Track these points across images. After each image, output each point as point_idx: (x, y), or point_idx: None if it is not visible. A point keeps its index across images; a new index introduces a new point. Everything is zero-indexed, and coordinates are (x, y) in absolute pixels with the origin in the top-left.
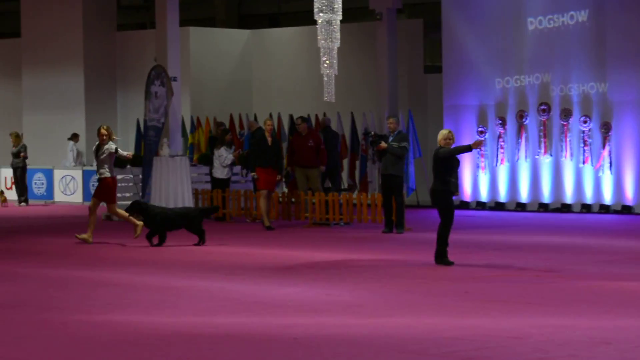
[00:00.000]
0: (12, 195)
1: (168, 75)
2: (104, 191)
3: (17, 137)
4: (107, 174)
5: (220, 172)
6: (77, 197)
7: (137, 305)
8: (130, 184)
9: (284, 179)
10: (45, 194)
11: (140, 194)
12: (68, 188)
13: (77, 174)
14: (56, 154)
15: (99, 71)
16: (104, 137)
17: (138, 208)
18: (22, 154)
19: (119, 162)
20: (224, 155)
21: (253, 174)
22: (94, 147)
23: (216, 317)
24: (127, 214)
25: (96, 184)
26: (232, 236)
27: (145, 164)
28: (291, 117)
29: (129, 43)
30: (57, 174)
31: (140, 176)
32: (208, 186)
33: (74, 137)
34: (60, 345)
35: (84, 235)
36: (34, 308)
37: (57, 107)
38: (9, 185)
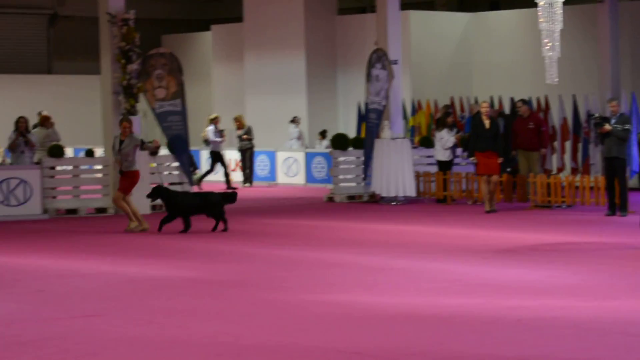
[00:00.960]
0: (237, 177)
1: (389, 58)
2: (123, 182)
3: (242, 120)
4: (135, 167)
5: (442, 155)
6: (300, 179)
7: (361, 285)
8: (352, 166)
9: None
10: (268, 175)
11: (363, 176)
12: (291, 170)
13: (300, 155)
14: (278, 137)
15: (319, 55)
16: (127, 130)
17: (159, 193)
18: (245, 136)
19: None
20: (445, 138)
21: (472, 158)
22: (114, 140)
23: (438, 298)
24: (128, 209)
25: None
26: (452, 218)
27: (366, 147)
28: (512, 99)
29: (349, 27)
30: (280, 156)
31: (362, 158)
32: (429, 168)
33: (296, 119)
34: (284, 324)
35: (134, 225)
36: (259, 287)
37: (279, 90)
38: (233, 168)
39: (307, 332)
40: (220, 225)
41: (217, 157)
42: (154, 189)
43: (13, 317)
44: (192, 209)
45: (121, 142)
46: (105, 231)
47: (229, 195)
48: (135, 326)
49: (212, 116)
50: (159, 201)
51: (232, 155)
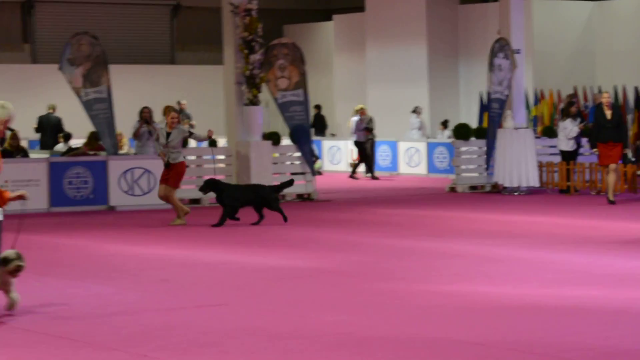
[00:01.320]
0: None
1: (511, 48)
2: (174, 175)
3: (363, 111)
4: (181, 158)
5: (565, 145)
6: (422, 169)
7: (483, 276)
8: (474, 156)
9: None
10: (390, 165)
11: (485, 166)
12: (412, 160)
13: (422, 146)
14: (400, 127)
15: (441, 44)
16: (175, 121)
17: (211, 186)
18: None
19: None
20: (568, 128)
21: (595, 150)
22: (160, 132)
23: (562, 289)
24: (179, 203)
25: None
26: (576, 209)
27: (489, 137)
28: (636, 89)
29: (471, 16)
30: (402, 146)
31: (484, 148)
32: (552, 158)
33: (417, 110)
34: (405, 314)
35: (178, 221)
36: (381, 278)
37: (401, 80)
38: (355, 157)
39: (428, 322)
40: (262, 219)
41: (361, 147)
42: (206, 182)
43: (138, 306)
44: (241, 202)
45: (168, 134)
46: (227, 221)
47: (280, 187)
48: (258, 316)
49: (358, 107)
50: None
51: (349, 146)
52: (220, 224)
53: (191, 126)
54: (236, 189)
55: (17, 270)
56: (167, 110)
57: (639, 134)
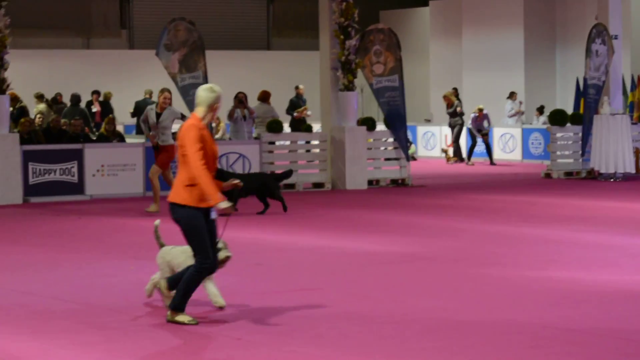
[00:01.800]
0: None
1: (609, 33)
2: (163, 157)
3: (452, 96)
4: (172, 141)
5: None
6: (517, 155)
7: (579, 261)
8: (570, 142)
9: None
10: (484, 151)
11: (581, 152)
12: (507, 146)
13: (517, 132)
14: (495, 113)
15: (538, 30)
16: (168, 101)
17: (217, 175)
18: (459, 108)
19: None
20: None
21: None
22: (149, 112)
23: None
24: (158, 189)
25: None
26: None
27: (585, 123)
28: None
29: (568, 1)
30: (497, 132)
31: (580, 134)
32: None
33: (512, 95)
34: (500, 300)
35: (153, 207)
36: (475, 263)
37: (496, 66)
38: (449, 143)
39: (523, 308)
40: (268, 208)
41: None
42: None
43: (233, 289)
44: (245, 191)
45: (158, 114)
46: (322, 206)
47: (282, 175)
48: (353, 301)
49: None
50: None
51: (443, 132)
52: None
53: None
54: (240, 178)
55: (226, 260)
56: (161, 91)
57: None
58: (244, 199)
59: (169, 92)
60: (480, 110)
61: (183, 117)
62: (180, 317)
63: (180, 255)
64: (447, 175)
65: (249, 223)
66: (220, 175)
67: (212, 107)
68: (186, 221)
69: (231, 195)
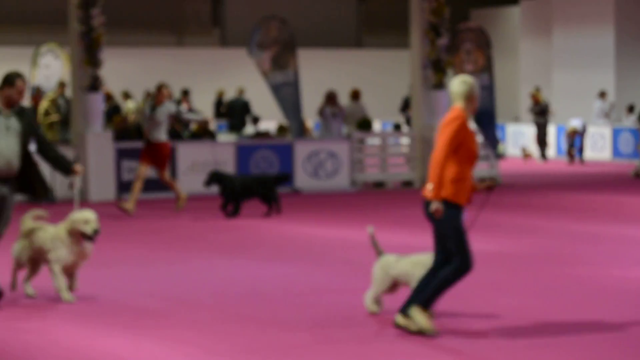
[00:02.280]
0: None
1: None
2: (157, 157)
3: (538, 94)
4: (163, 139)
5: None
6: (606, 154)
7: None
8: None
9: None
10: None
11: None
12: (597, 145)
13: (606, 130)
14: (585, 111)
15: (629, 28)
16: (164, 97)
17: (215, 178)
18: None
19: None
20: None
21: None
22: (144, 107)
23: None
24: (173, 183)
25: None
26: None
27: None
28: None
29: None
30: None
31: None
32: None
33: (603, 95)
34: (589, 299)
35: (127, 205)
36: (564, 262)
37: (586, 64)
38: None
39: (613, 308)
40: (273, 208)
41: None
42: (209, 174)
43: (323, 286)
44: (246, 193)
45: (153, 108)
46: (411, 204)
47: (282, 177)
48: (440, 299)
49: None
50: None
51: (520, 129)
52: (235, 212)
53: None
54: (239, 181)
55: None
56: (160, 87)
57: None
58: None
59: (167, 87)
60: (574, 131)
61: (178, 115)
62: (420, 318)
63: (413, 267)
64: (536, 174)
65: (338, 220)
66: (216, 177)
67: (470, 98)
68: (449, 219)
69: (233, 198)
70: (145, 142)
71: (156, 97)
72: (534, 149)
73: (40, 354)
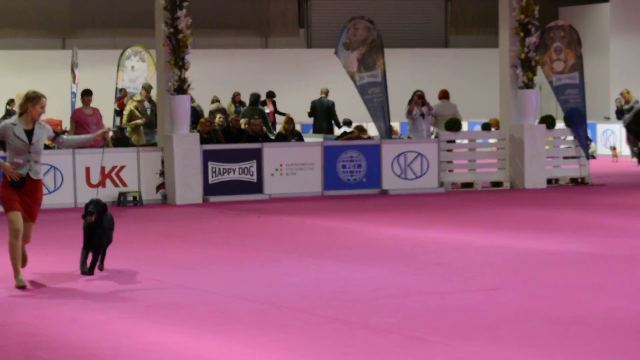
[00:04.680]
0: (626, 150)
1: None
2: (38, 201)
3: (629, 94)
4: (42, 174)
5: None
6: None
7: None
8: None
9: None
10: None
11: None
12: None
13: None
14: None
15: None
16: (39, 114)
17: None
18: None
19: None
20: None
21: None
22: (8, 129)
23: None
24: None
25: None
26: None
27: None
28: None
29: None
30: None
31: None
32: None
33: None
34: None
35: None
36: None
37: None
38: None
39: None
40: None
41: None
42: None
43: (412, 289)
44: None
45: (29, 132)
46: (500, 205)
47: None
48: (534, 301)
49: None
50: None
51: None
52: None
53: None
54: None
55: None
56: (33, 98)
57: None
58: None
59: (45, 98)
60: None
61: (56, 136)
62: None
63: None
64: (627, 174)
65: (426, 222)
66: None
67: None
68: None
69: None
70: (19, 182)
71: (29, 113)
72: (624, 148)
73: (132, 353)
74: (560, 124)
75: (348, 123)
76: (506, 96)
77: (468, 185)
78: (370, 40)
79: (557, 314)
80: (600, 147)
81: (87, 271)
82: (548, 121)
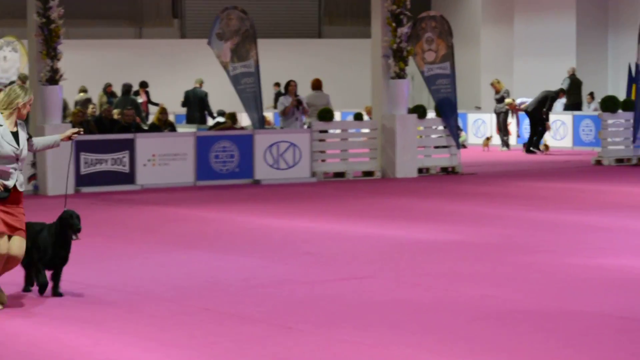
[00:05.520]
0: (496, 139)
1: None
2: (22, 213)
3: (499, 84)
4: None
5: None
6: (567, 142)
7: (630, 249)
8: (621, 129)
9: None
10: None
11: (632, 139)
12: (558, 133)
13: (567, 118)
14: None
15: (590, 15)
16: (24, 113)
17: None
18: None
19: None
20: None
21: None
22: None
23: None
24: None
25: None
26: None
27: (637, 109)
28: None
29: None
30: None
31: (632, 121)
32: None
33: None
34: (549, 288)
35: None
36: (525, 250)
37: (548, 52)
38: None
39: (573, 296)
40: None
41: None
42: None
43: (283, 278)
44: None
45: (15, 134)
46: (372, 194)
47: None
48: (402, 289)
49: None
50: None
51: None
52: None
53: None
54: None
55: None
56: (17, 95)
57: None
58: None
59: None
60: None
61: (29, 138)
62: None
63: None
64: (497, 163)
65: (298, 212)
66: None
67: None
68: None
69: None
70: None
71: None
72: (495, 137)
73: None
74: (431, 114)
75: (222, 114)
76: (378, 86)
77: (340, 175)
78: (244, 30)
79: (422, 302)
80: (471, 137)
81: (45, 282)
82: (419, 111)
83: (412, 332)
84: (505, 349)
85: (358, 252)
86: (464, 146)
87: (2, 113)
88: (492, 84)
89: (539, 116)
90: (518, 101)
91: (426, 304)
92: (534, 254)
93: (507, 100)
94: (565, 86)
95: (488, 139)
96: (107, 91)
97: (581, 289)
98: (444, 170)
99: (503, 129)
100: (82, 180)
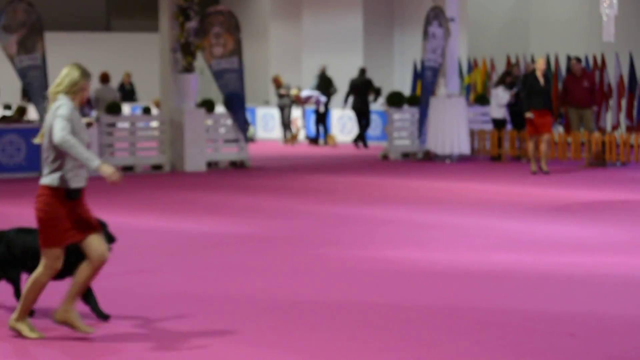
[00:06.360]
0: (277, 134)
1: (446, 16)
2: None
3: (280, 79)
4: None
5: (496, 112)
6: (352, 136)
7: (414, 241)
8: (407, 124)
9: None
10: (322, 133)
11: (418, 134)
12: (345, 127)
13: (353, 114)
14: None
15: (376, 12)
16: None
17: None
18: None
19: None
20: (500, 95)
21: (529, 114)
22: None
23: (490, 255)
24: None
25: None
26: (506, 176)
27: (422, 104)
28: (568, 57)
29: None
30: (335, 113)
31: (417, 116)
32: (484, 126)
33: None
34: (337, 280)
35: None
36: (313, 243)
37: (336, 48)
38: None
39: (360, 288)
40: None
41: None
42: None
43: None
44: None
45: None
46: (160, 188)
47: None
48: (189, 281)
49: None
50: None
51: (270, 112)
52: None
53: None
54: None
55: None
56: (84, 74)
57: (563, 101)
58: None
59: None
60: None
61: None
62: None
63: None
64: (285, 157)
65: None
66: None
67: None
68: None
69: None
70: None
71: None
72: (278, 132)
73: None
74: (220, 108)
75: (8, 107)
76: (166, 80)
77: (129, 168)
78: (30, 22)
79: (210, 294)
80: (260, 131)
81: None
82: (207, 105)
83: (199, 325)
84: (291, 340)
85: (147, 245)
86: (252, 140)
87: (65, 96)
88: (273, 79)
89: (363, 109)
90: (303, 94)
91: (213, 296)
92: (320, 247)
93: (293, 92)
94: (313, 85)
95: (294, 136)
96: None
97: (366, 280)
98: (233, 164)
99: (287, 123)
100: None
